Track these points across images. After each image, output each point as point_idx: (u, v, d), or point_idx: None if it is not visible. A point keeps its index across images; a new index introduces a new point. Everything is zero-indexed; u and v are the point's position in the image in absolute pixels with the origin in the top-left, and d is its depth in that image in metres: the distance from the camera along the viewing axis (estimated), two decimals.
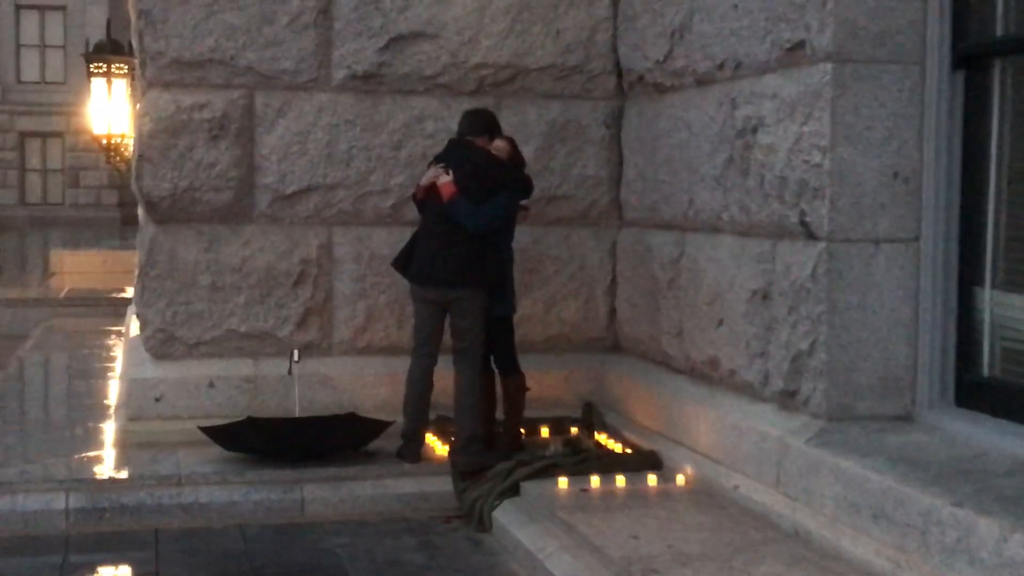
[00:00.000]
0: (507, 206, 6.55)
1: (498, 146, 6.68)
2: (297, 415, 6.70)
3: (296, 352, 6.73)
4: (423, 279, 6.53)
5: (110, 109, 13.71)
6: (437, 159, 6.59)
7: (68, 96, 33.44)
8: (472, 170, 6.41)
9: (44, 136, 36.36)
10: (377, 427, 6.68)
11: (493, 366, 6.78)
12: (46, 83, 36.19)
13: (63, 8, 36.09)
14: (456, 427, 6.59)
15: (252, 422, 6.54)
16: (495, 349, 6.76)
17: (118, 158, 14.32)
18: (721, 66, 6.10)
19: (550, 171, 7.42)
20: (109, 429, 7.29)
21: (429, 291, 6.52)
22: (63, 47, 35.69)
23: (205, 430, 6.50)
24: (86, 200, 36.19)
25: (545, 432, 7.04)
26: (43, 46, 36.49)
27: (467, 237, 6.39)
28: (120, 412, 7.30)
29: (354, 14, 7.10)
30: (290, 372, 6.66)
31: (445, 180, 6.41)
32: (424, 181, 6.52)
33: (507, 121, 7.36)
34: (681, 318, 6.60)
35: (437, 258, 6.45)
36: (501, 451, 6.59)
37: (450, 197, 6.39)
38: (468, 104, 7.21)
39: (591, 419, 7.19)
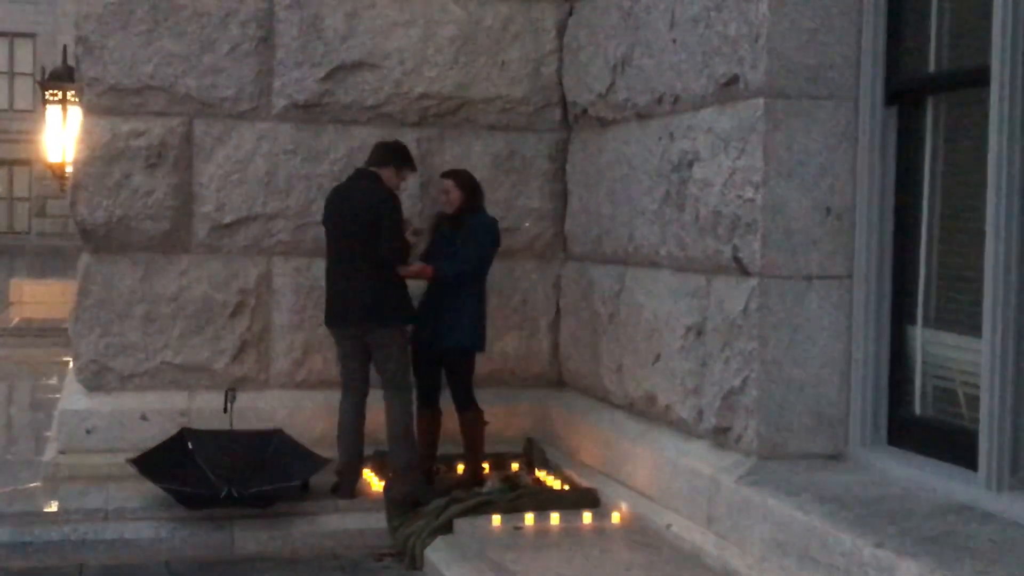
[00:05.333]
0: (479, 256, 6.62)
1: (448, 189, 6.66)
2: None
3: (233, 392, 6.57)
4: (336, 321, 6.52)
5: (65, 137, 13.57)
6: (335, 191, 6.60)
7: (36, 124, 33.09)
8: (373, 209, 6.34)
9: (11, 164, 36.11)
10: (313, 466, 6.54)
11: (452, 402, 6.72)
12: (14, 111, 35.98)
13: (33, 36, 35.94)
14: (390, 458, 6.49)
15: (183, 439, 6.43)
16: (452, 384, 6.69)
17: None
18: (660, 100, 6.06)
19: (494, 203, 7.31)
20: (43, 462, 7.13)
21: (346, 329, 6.48)
22: (32, 75, 35.51)
23: (134, 462, 6.32)
24: (53, 229, 35.88)
25: (486, 468, 6.93)
26: (12, 73, 36.32)
27: (374, 273, 6.33)
28: (51, 444, 7.16)
29: (296, 43, 7.04)
30: (226, 410, 6.51)
31: (415, 269, 6.51)
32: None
33: (451, 152, 7.33)
34: (621, 353, 6.53)
35: (346, 296, 6.42)
36: (464, 485, 6.52)
37: (434, 274, 6.50)
38: (412, 134, 7.21)
39: (532, 455, 7.09)
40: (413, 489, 6.34)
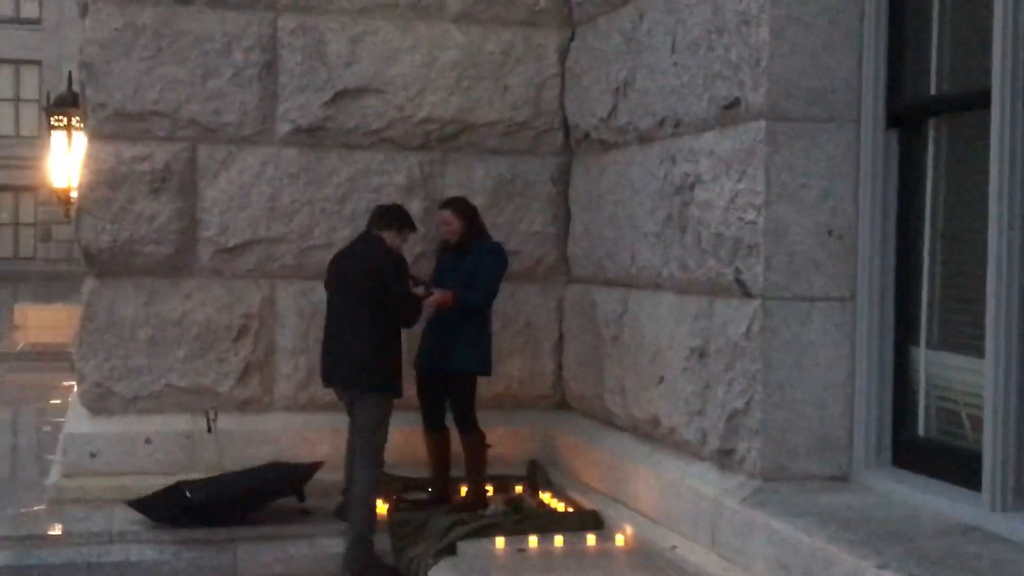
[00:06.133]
0: (495, 278, 6.65)
1: (448, 220, 6.67)
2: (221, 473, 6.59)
3: (214, 411, 6.56)
4: (324, 379, 6.54)
5: (69, 162, 13.62)
6: (337, 255, 6.58)
7: (41, 150, 33.21)
8: (374, 269, 6.29)
9: (16, 190, 36.27)
10: (308, 469, 6.57)
11: (455, 423, 6.73)
12: (20, 137, 36.16)
13: (38, 63, 36.14)
14: (346, 528, 6.33)
15: (180, 490, 6.37)
16: (454, 407, 6.71)
17: None
18: (662, 123, 6.09)
19: (497, 227, 7.34)
20: (47, 485, 7.15)
21: (334, 388, 6.51)
22: (38, 101, 35.65)
23: (133, 504, 6.34)
24: (58, 254, 36.00)
25: (489, 490, 6.93)
26: (17, 100, 36.52)
27: (367, 335, 6.23)
28: (56, 467, 7.17)
29: (299, 68, 7.09)
30: (210, 430, 6.51)
31: (436, 298, 6.50)
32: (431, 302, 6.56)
33: (454, 176, 7.36)
34: (624, 375, 6.54)
35: (335, 356, 6.39)
36: (468, 507, 6.52)
37: (454, 301, 6.50)
38: (414, 158, 7.25)
39: (535, 477, 7.10)
40: (363, 564, 6.15)
